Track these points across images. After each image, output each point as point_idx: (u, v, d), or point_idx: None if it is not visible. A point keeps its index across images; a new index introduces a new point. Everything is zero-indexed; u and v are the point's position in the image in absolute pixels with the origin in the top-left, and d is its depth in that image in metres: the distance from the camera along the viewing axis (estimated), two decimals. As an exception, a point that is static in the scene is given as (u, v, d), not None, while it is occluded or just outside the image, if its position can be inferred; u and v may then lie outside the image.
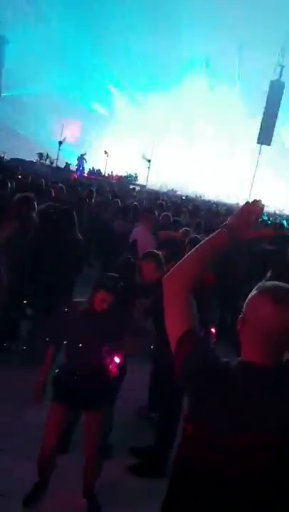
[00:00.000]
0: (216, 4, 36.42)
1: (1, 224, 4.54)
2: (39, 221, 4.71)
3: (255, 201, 1.49)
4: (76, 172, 31.14)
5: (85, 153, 33.84)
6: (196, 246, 1.54)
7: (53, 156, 32.04)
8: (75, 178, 27.24)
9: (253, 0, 35.54)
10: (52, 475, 2.98)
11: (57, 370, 2.99)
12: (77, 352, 2.87)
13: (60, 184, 9.45)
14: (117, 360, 2.92)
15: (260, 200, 1.49)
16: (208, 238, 1.53)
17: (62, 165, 31.82)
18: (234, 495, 1.30)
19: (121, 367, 3.14)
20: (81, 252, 5.31)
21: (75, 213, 5.11)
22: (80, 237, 5.14)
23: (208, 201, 27.93)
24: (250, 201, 1.49)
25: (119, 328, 2.94)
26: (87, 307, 2.90)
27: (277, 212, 31.99)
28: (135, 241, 5.83)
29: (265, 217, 18.54)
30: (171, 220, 7.50)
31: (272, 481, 1.27)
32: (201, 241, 1.58)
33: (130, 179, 32.78)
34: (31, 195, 4.85)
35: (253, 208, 1.47)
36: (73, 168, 32.12)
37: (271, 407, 1.28)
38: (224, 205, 25.32)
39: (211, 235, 1.52)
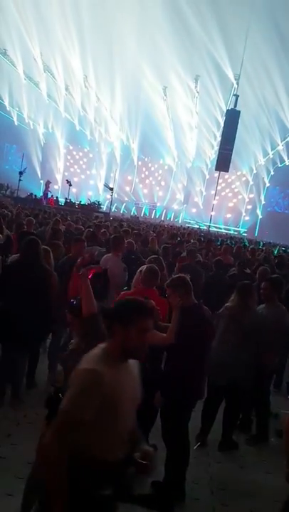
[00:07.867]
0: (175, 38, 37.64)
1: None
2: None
3: None
4: (44, 198, 31.21)
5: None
6: None
7: (14, 187, 31.57)
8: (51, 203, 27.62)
9: (207, 33, 37.03)
10: None
11: None
12: None
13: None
14: None
15: None
16: None
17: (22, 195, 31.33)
18: None
19: None
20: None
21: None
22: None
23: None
24: None
25: None
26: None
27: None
28: (106, 270, 5.76)
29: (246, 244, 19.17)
30: (135, 247, 7.57)
31: None
32: None
33: (94, 206, 32.64)
34: None
35: None
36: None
37: None
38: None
39: None
